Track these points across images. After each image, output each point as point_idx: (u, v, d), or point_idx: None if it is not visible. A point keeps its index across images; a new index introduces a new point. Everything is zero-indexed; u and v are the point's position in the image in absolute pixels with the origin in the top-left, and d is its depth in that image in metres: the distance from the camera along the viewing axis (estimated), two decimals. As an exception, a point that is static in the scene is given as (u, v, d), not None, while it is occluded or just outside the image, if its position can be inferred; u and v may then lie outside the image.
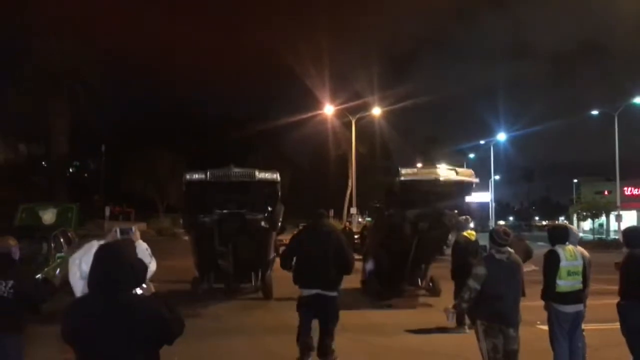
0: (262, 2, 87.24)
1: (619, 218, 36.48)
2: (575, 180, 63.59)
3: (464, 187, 11.48)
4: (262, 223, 10.99)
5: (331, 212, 42.58)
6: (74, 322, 2.64)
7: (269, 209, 11.32)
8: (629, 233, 6.03)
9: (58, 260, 10.64)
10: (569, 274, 5.32)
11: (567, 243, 5.46)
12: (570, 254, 5.35)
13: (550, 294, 5.40)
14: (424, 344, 7.93)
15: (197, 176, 10.73)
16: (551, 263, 5.35)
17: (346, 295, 11.70)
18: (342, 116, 41.28)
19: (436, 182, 10.87)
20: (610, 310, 5.88)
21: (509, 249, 5.00)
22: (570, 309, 5.36)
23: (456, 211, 11.09)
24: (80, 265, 3.87)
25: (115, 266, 2.63)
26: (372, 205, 14.03)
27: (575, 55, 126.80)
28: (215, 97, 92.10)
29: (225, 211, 10.98)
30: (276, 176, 11.05)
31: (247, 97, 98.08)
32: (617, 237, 37.90)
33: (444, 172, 11.12)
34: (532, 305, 6.64)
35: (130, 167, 44.39)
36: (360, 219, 42.22)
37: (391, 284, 11.80)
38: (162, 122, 52.30)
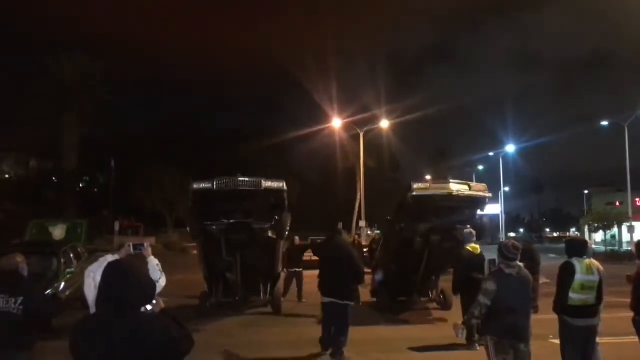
0: (271, 16, 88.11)
1: (631, 229, 36.08)
2: (586, 192, 63.16)
3: (477, 202, 11.34)
4: (269, 233, 10.97)
5: (340, 225, 42.54)
6: (82, 339, 2.62)
7: (276, 217, 11.29)
8: None
9: (68, 276, 10.67)
10: (583, 287, 5.22)
11: (584, 257, 5.36)
12: (586, 268, 5.25)
13: (562, 307, 5.30)
14: None
15: (203, 185, 10.69)
16: (566, 275, 5.25)
17: (356, 308, 11.71)
18: (349, 129, 41.34)
19: (449, 197, 10.70)
20: (624, 323, 5.78)
21: (519, 264, 4.96)
22: (581, 322, 5.26)
23: (468, 225, 10.98)
24: (95, 278, 3.97)
25: (123, 284, 2.62)
26: (385, 218, 13.96)
27: (585, 66, 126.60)
28: (224, 111, 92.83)
29: (232, 220, 10.97)
30: (282, 185, 10.97)
31: (255, 112, 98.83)
32: (629, 248, 37.48)
33: (457, 186, 10.92)
34: (544, 319, 6.56)
35: (139, 181, 44.61)
36: (369, 232, 42.08)
37: (400, 295, 11.74)
38: (171, 136, 52.65)
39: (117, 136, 52.91)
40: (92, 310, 4.02)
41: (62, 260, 10.75)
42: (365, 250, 22.04)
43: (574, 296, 5.22)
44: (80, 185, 53.83)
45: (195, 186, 10.85)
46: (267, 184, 10.68)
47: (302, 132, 45.11)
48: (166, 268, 4.28)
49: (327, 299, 7.43)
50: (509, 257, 4.86)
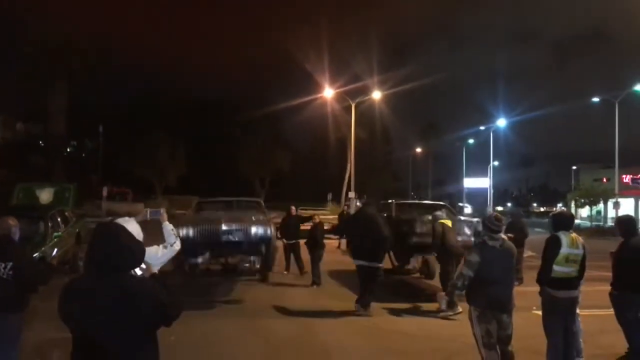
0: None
1: (616, 205, 36.53)
2: (574, 167, 63.61)
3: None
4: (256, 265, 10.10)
5: (329, 196, 42.64)
6: (70, 301, 2.63)
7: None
8: (623, 222, 6.00)
9: (55, 240, 10.62)
10: (567, 260, 5.29)
11: (570, 231, 5.43)
12: (572, 242, 5.33)
13: (545, 279, 5.39)
14: (419, 327, 7.94)
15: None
16: (552, 248, 5.32)
17: (344, 277, 11.81)
18: (341, 100, 41.04)
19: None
20: (606, 296, 5.88)
21: (502, 236, 5.02)
22: (563, 294, 5.35)
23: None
24: None
25: (114, 247, 2.62)
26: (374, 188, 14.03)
27: (577, 42, 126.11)
28: (215, 81, 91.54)
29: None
30: (268, 230, 9.84)
31: (246, 81, 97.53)
32: (614, 224, 37.98)
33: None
34: (528, 291, 6.66)
35: (129, 148, 44.26)
36: (358, 203, 42.21)
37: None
38: (161, 104, 52.09)
39: (107, 102, 52.26)
40: None
41: (50, 224, 10.68)
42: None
43: (558, 268, 5.28)
44: (68, 150, 53.31)
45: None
46: (254, 229, 9.62)
47: (293, 102, 44.80)
48: (156, 235, 4.27)
49: (357, 262, 8.79)
50: (492, 229, 4.93)
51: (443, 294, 5.07)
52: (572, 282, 5.36)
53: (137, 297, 2.57)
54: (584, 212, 50.02)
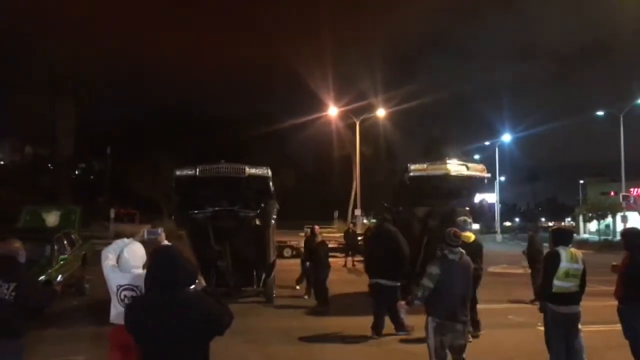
0: (268, 4, 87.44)
1: (624, 219, 36.26)
2: (581, 181, 63.32)
3: (476, 183, 11.08)
4: (256, 221, 10.81)
5: (335, 214, 42.58)
6: (136, 316, 2.93)
7: (262, 205, 11.13)
8: (628, 235, 5.97)
9: (61, 263, 10.66)
10: (567, 275, 5.31)
11: (570, 245, 5.46)
12: (571, 257, 5.35)
13: (546, 294, 5.43)
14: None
15: (186, 172, 10.58)
16: (551, 263, 5.37)
17: (352, 299, 11.70)
18: (346, 118, 41.28)
19: (447, 177, 10.47)
20: (611, 311, 5.85)
21: (461, 250, 5.26)
22: (565, 309, 5.37)
23: (467, 208, 10.70)
24: (114, 259, 4.22)
25: (172, 267, 2.91)
26: (381, 204, 13.51)
27: (582, 56, 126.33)
28: (220, 99, 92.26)
29: (217, 208, 10.83)
30: (267, 171, 10.86)
31: (252, 100, 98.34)
32: (620, 237, 37.61)
33: (455, 167, 10.61)
34: (534, 308, 6.61)
35: (135, 169, 44.53)
36: (364, 220, 42.13)
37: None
38: (167, 124, 52.46)
39: (113, 124, 52.77)
40: (112, 290, 4.22)
41: (56, 246, 10.72)
42: (360, 238, 22.12)
43: (559, 283, 5.31)
44: (76, 172, 53.74)
45: (178, 173, 10.71)
46: (250, 170, 10.58)
47: (298, 120, 45.06)
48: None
49: (371, 280, 8.43)
50: (451, 244, 5.18)
51: (404, 302, 5.31)
52: (573, 297, 5.37)
53: (195, 310, 2.86)
54: (592, 226, 49.63)
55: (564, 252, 5.35)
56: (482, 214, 11.03)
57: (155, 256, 3.04)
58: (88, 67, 38.96)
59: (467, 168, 10.82)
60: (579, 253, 5.48)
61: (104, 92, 42.14)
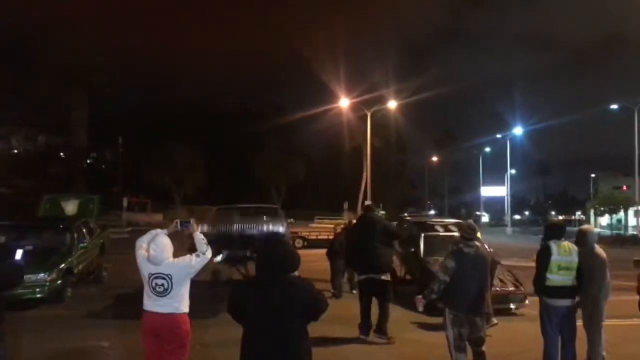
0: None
1: (637, 213, 36.05)
2: (593, 175, 62.85)
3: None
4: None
5: (345, 205, 42.68)
6: (243, 300, 3.22)
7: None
8: None
9: (81, 250, 10.86)
10: (560, 268, 5.41)
11: (562, 239, 5.56)
12: (563, 250, 5.46)
13: (540, 287, 5.54)
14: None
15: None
16: (543, 257, 5.51)
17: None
18: (357, 109, 41.20)
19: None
20: (630, 306, 5.90)
21: (477, 243, 5.28)
22: (559, 302, 5.47)
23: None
24: (148, 249, 4.33)
25: (282, 253, 3.24)
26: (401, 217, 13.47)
27: (596, 48, 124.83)
28: (232, 90, 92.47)
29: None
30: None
31: (263, 91, 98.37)
32: (635, 232, 37.46)
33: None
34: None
35: (148, 158, 44.80)
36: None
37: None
38: (179, 114, 52.68)
39: (125, 113, 53.04)
40: (145, 279, 4.34)
41: (75, 235, 10.92)
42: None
43: (552, 277, 5.43)
44: (88, 161, 54.16)
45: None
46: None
47: (310, 112, 45.05)
48: (175, 244, 4.46)
49: (361, 276, 7.65)
50: (467, 237, 5.21)
51: (420, 297, 5.34)
52: (567, 291, 5.47)
53: (298, 293, 3.16)
54: (604, 220, 49.35)
55: (555, 246, 5.46)
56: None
57: (268, 242, 3.36)
58: (103, 57, 39.16)
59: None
60: (572, 246, 5.57)
61: (117, 83, 42.22)
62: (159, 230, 4.50)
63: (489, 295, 6.51)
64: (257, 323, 3.13)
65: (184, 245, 5.36)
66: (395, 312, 8.64)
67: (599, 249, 5.93)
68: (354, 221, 12.67)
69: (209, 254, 4.47)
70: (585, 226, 6.61)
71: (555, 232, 5.67)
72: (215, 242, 9.43)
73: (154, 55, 69.01)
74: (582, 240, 5.85)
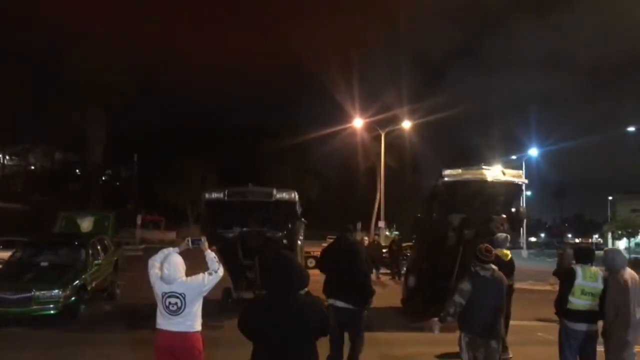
0: (294, 15, 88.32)
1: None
2: (610, 198, 62.10)
3: (513, 189, 10.66)
4: (283, 241, 11.01)
5: (359, 226, 42.54)
6: (253, 317, 3.23)
7: (289, 225, 11.31)
8: None
9: (95, 267, 10.92)
10: (583, 293, 5.35)
11: (589, 264, 5.49)
12: (589, 275, 5.39)
13: (561, 310, 5.49)
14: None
15: (215, 195, 10.92)
16: (567, 280, 5.46)
17: (383, 313, 11.66)
18: (371, 129, 41.28)
19: (483, 182, 10.02)
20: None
21: (493, 266, 5.23)
22: (579, 327, 5.40)
23: (504, 215, 10.27)
24: (161, 268, 4.36)
25: (290, 272, 3.21)
26: (415, 217, 13.05)
27: (613, 69, 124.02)
28: (246, 109, 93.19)
29: (245, 229, 10.97)
30: (294, 195, 11.08)
31: (277, 111, 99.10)
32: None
33: (491, 172, 10.24)
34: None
35: (162, 176, 45.17)
36: (387, 233, 41.94)
37: (436, 302, 11.08)
38: (194, 132, 53.16)
39: (140, 131, 53.65)
40: (158, 297, 4.36)
41: (90, 251, 10.99)
42: (384, 251, 22.06)
43: (574, 300, 5.37)
44: (103, 179, 54.76)
45: (207, 196, 11.05)
46: (278, 195, 10.79)
47: (323, 131, 45.12)
48: (188, 262, 4.49)
49: (334, 302, 6.32)
50: (483, 260, 5.14)
51: (436, 319, 5.28)
52: (589, 316, 5.40)
53: (308, 311, 3.18)
54: (622, 244, 48.59)
55: (580, 270, 5.40)
56: (519, 221, 10.50)
57: (275, 262, 3.32)
58: (120, 75, 39.72)
59: (504, 174, 10.47)
60: (599, 272, 5.47)
61: (134, 100, 42.79)
62: (170, 249, 4.54)
63: (505, 323, 6.36)
64: (267, 340, 3.14)
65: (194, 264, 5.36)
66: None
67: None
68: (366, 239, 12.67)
69: (220, 272, 4.51)
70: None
71: (583, 255, 5.61)
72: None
73: (172, 74, 70.02)
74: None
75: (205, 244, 4.69)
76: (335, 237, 7.69)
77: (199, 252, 4.62)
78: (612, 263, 5.56)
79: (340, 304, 6.23)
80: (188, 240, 4.66)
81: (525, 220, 10.59)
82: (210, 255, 4.58)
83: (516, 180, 10.57)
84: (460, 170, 10.40)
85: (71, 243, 11.33)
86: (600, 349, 5.67)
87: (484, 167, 10.53)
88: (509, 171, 10.95)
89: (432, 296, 10.30)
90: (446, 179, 10.12)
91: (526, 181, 10.88)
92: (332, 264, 6.64)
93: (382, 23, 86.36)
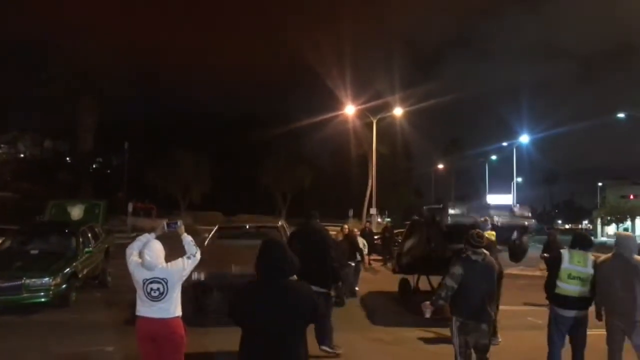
0: (284, 5, 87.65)
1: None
2: (600, 184, 62.54)
3: (517, 228, 9.94)
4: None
5: (351, 212, 42.61)
6: (245, 303, 3.23)
7: None
8: None
9: (86, 255, 10.88)
10: (570, 277, 5.35)
11: (577, 248, 5.51)
12: (577, 259, 5.41)
13: (549, 294, 5.52)
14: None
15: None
16: (553, 264, 5.51)
17: (374, 298, 11.75)
18: (363, 117, 41.20)
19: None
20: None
21: (484, 251, 5.26)
22: (568, 313, 5.43)
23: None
24: (141, 255, 4.34)
25: (281, 257, 3.24)
26: (413, 219, 12.66)
27: (604, 57, 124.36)
28: (238, 97, 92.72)
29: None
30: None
31: (268, 98, 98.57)
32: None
33: (496, 217, 9.76)
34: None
35: (153, 164, 44.96)
36: (379, 220, 42.07)
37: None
38: (186, 120, 52.88)
39: (131, 119, 53.26)
40: (139, 285, 4.34)
41: (81, 239, 10.95)
42: (376, 237, 22.15)
43: (562, 285, 5.40)
44: (93, 166, 54.43)
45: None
46: None
47: (315, 119, 45.00)
48: (180, 250, 4.46)
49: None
50: (474, 245, 5.17)
51: (428, 303, 5.32)
52: (577, 301, 5.41)
53: (298, 297, 3.18)
54: (611, 229, 49.09)
55: (568, 254, 5.42)
56: (522, 253, 10.24)
57: (266, 247, 3.31)
58: (111, 63, 39.36)
59: (514, 213, 10.05)
60: (589, 256, 5.48)
61: (125, 89, 42.43)
62: (148, 236, 4.51)
63: (495, 307, 6.40)
64: (256, 326, 3.15)
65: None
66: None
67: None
68: (356, 230, 12.57)
69: (198, 255, 4.51)
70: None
71: (579, 242, 5.60)
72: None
73: (162, 62, 69.48)
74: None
75: (182, 227, 4.67)
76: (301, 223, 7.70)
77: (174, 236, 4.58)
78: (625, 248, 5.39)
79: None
80: (164, 224, 4.64)
81: (527, 252, 10.38)
82: (188, 239, 4.57)
83: (520, 222, 9.96)
84: (465, 209, 9.97)
85: (62, 231, 11.28)
86: (595, 332, 5.70)
87: (490, 205, 10.39)
88: (518, 209, 10.43)
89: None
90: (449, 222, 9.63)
91: (532, 221, 10.29)
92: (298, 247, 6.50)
93: (374, 11, 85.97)
